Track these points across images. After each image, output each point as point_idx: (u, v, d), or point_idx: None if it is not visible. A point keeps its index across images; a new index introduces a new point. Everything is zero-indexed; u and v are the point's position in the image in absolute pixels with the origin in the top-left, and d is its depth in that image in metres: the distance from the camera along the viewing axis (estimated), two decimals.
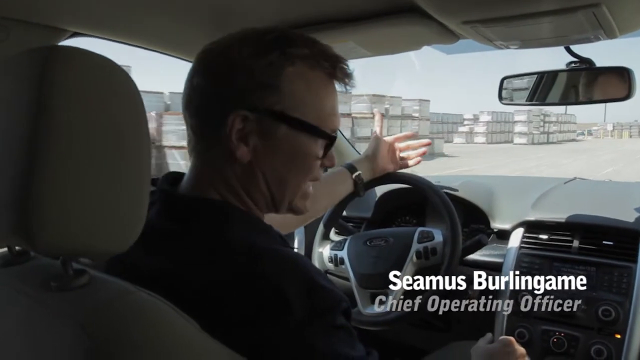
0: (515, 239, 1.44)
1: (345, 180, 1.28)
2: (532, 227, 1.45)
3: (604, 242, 1.33)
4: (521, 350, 1.00)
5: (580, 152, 28.03)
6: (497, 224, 1.53)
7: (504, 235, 1.50)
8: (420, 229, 1.38)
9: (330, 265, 1.48)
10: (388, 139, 1.39)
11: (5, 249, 0.65)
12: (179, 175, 0.78)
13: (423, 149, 1.41)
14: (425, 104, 23.77)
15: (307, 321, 0.60)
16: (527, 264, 1.37)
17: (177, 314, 0.55)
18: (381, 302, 1.35)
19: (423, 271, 1.33)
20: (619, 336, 1.21)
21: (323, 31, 1.14)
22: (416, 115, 22.77)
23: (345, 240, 1.47)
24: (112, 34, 1.17)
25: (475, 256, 1.44)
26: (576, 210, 1.44)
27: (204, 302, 0.61)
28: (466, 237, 1.48)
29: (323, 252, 1.50)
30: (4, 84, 0.54)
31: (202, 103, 0.72)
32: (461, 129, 41.14)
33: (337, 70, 0.74)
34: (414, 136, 1.46)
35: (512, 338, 1.02)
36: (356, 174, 1.29)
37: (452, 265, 1.28)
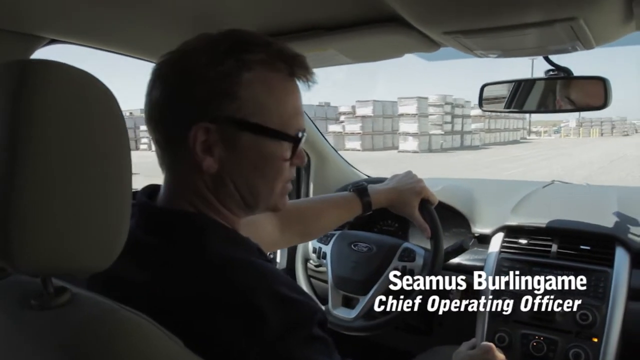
0: (496, 243, 1.46)
1: (353, 205, 1.23)
2: (512, 231, 1.47)
3: (581, 246, 1.36)
4: (501, 356, 1.02)
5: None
6: (477, 229, 1.55)
7: (484, 240, 1.52)
8: (404, 245, 1.39)
9: (313, 256, 1.51)
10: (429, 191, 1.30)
11: None
12: (157, 188, 0.78)
13: None
14: None
15: (283, 333, 0.61)
16: (507, 269, 1.39)
17: (160, 332, 0.54)
18: (350, 307, 1.37)
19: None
20: (596, 340, 1.23)
21: (304, 39, 1.14)
22: None
23: (333, 235, 1.49)
24: (90, 41, 1.16)
25: (457, 260, 1.46)
26: (555, 215, 1.46)
27: (182, 315, 0.61)
28: (448, 241, 1.50)
29: (309, 242, 1.52)
30: None
31: (162, 117, 0.71)
32: (332, 128, 27.55)
33: (295, 69, 0.73)
34: None
35: (492, 344, 1.04)
36: (366, 200, 1.23)
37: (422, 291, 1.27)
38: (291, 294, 0.64)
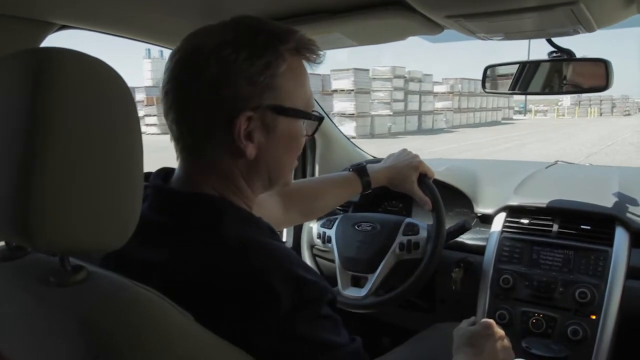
0: (498, 223, 1.48)
1: (353, 185, 1.29)
2: (513, 211, 1.49)
3: (581, 226, 1.38)
4: (500, 332, 1.04)
5: None
6: (480, 209, 1.57)
7: (487, 220, 1.54)
8: (407, 220, 1.41)
9: (318, 241, 1.52)
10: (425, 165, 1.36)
11: (3, 244, 0.67)
12: (170, 171, 0.80)
13: None
14: None
15: (295, 311, 0.63)
16: (509, 248, 1.41)
17: (172, 307, 0.57)
18: (359, 286, 1.40)
19: (402, 263, 1.37)
20: (594, 317, 1.25)
21: (309, 23, 1.15)
22: None
23: (336, 219, 1.51)
24: (99, 26, 1.17)
25: (459, 239, 1.49)
26: (556, 195, 1.48)
27: (196, 293, 0.63)
28: (450, 220, 1.52)
29: (313, 227, 1.54)
30: None
31: (200, 106, 0.72)
32: None
33: (311, 53, 0.77)
34: None
35: (492, 321, 1.05)
36: (366, 179, 1.28)
37: (430, 264, 1.31)
38: (304, 274, 0.67)
